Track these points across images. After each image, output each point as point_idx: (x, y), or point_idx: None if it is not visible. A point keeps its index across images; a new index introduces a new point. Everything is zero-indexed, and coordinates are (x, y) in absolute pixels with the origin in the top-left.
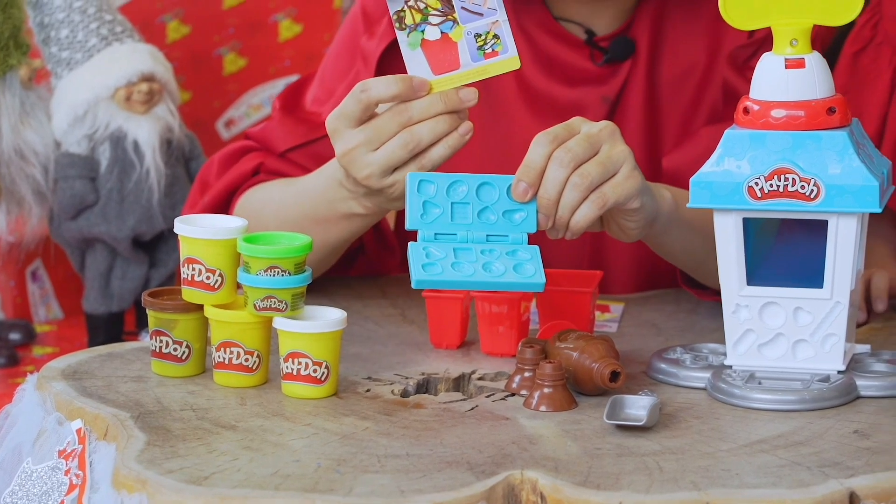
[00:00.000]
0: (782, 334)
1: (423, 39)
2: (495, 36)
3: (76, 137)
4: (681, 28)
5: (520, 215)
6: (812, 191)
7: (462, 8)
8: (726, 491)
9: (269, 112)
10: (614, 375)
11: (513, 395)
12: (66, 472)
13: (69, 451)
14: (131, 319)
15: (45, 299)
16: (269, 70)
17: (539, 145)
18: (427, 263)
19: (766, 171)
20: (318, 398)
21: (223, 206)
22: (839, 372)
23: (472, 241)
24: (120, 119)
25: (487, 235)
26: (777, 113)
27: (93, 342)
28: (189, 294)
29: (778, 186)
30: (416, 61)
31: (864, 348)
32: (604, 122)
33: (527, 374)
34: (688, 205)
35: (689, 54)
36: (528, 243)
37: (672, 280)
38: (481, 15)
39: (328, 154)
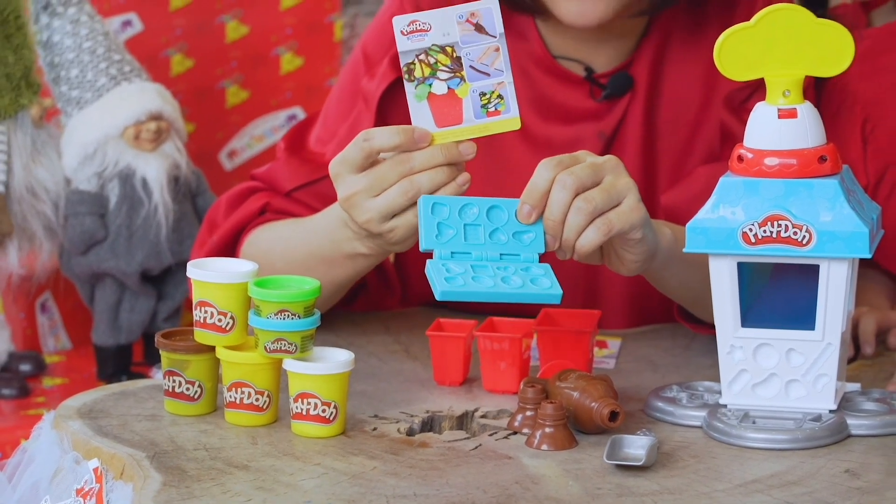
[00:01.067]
0: (776, 374)
1: (430, 93)
2: (500, 96)
3: (86, 175)
4: (679, 68)
5: (529, 236)
6: (804, 237)
7: (471, 66)
8: None
9: (271, 143)
10: (613, 415)
11: (515, 433)
12: None
13: (87, 489)
14: (139, 351)
15: (53, 330)
16: (271, 102)
17: (543, 169)
18: (448, 277)
19: (759, 217)
20: (326, 437)
21: (231, 245)
22: (830, 411)
23: (487, 259)
24: (129, 157)
25: (501, 254)
26: (770, 161)
27: (101, 373)
28: (201, 336)
29: (771, 232)
30: (420, 113)
31: (855, 387)
32: (608, 156)
33: (528, 413)
34: (684, 250)
35: (687, 94)
36: (540, 262)
37: (664, 315)
38: (488, 75)
39: (333, 193)
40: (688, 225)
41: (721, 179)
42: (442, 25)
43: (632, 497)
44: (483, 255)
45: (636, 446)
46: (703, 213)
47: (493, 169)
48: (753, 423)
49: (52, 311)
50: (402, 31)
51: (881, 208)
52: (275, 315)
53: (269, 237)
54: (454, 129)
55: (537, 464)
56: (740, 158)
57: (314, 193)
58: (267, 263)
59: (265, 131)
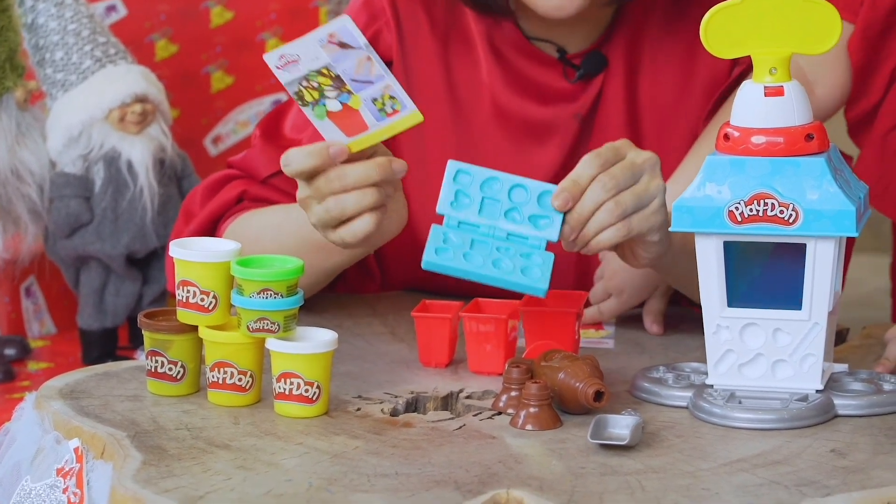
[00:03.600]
0: (762, 354)
1: (327, 111)
2: (391, 97)
3: (71, 157)
4: (658, 47)
5: (544, 222)
6: (791, 215)
7: (352, 80)
8: None
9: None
10: (598, 395)
11: (499, 413)
12: (65, 490)
13: (67, 469)
14: (124, 335)
15: (38, 315)
16: (256, 88)
17: (587, 166)
18: (441, 248)
19: (745, 196)
20: (309, 417)
21: (208, 234)
22: (817, 391)
23: (493, 237)
24: (114, 139)
25: (508, 234)
26: (757, 139)
27: (87, 357)
28: (184, 315)
29: (757, 211)
30: (327, 129)
31: (842, 367)
32: (648, 154)
33: (513, 394)
34: (670, 228)
35: (666, 74)
36: (546, 250)
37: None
38: (372, 83)
39: None
40: (674, 204)
41: (707, 158)
42: (308, 52)
43: (615, 476)
44: (491, 231)
45: (620, 426)
46: (690, 192)
47: (468, 149)
48: (739, 403)
49: (36, 296)
50: (277, 67)
51: (869, 187)
52: (257, 294)
53: (257, 224)
54: (364, 135)
55: (521, 443)
56: (727, 137)
57: (291, 180)
58: (258, 251)
59: (250, 117)
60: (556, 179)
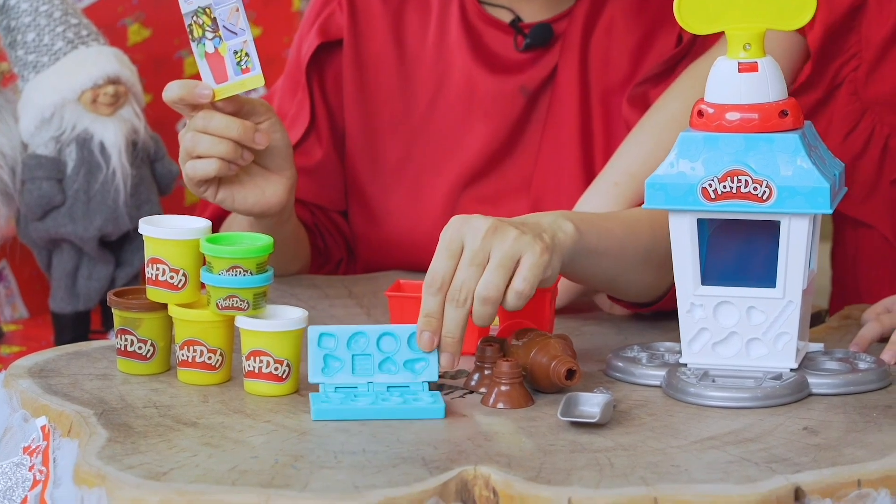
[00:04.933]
0: (736, 333)
1: (205, 52)
2: (246, 54)
3: (43, 139)
4: (611, 33)
5: (421, 365)
6: (764, 192)
7: (224, 27)
8: (674, 486)
9: None
10: (570, 373)
11: (471, 392)
12: (31, 468)
13: (34, 447)
14: (97, 318)
15: (10, 299)
16: None
17: (430, 294)
18: (324, 406)
19: (719, 172)
20: (279, 395)
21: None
22: (791, 370)
23: (373, 394)
24: (86, 121)
25: (388, 387)
26: (731, 116)
27: (59, 341)
28: (153, 293)
29: (731, 188)
30: (204, 70)
31: (818, 347)
32: (483, 226)
33: (486, 372)
34: (643, 206)
35: (617, 62)
36: (430, 389)
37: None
38: (236, 34)
39: (302, 165)
40: (647, 181)
41: (681, 135)
42: None
43: (584, 453)
44: (369, 389)
45: (591, 403)
46: (663, 169)
47: (414, 121)
48: (713, 381)
49: (8, 280)
50: None
51: (845, 164)
52: (227, 272)
53: None
54: (223, 86)
55: (491, 421)
56: (700, 113)
57: None
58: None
59: None
60: (497, 154)
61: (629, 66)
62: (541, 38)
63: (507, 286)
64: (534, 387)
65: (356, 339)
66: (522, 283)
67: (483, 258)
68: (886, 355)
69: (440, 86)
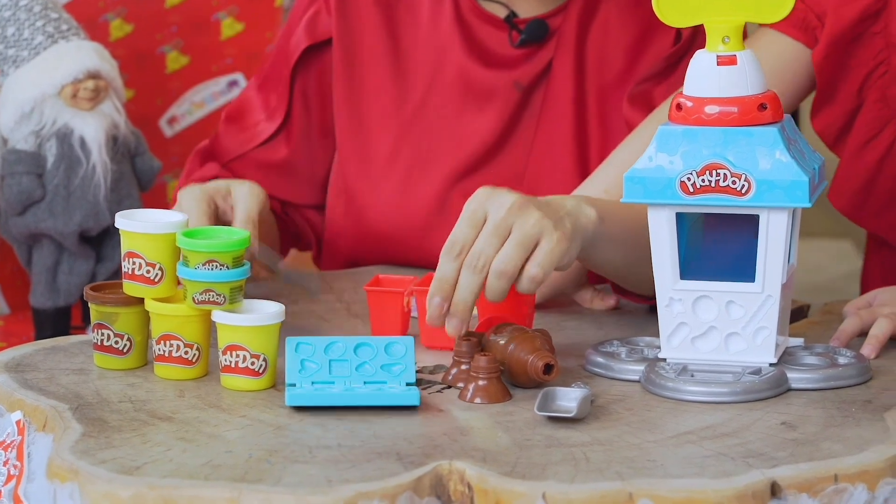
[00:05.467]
0: (715, 327)
1: None
2: None
3: (23, 134)
4: (608, 30)
5: (398, 368)
6: (743, 186)
7: None
8: (649, 481)
9: (211, 109)
10: (548, 368)
11: (449, 387)
12: (5, 463)
13: (9, 441)
14: (78, 314)
15: None
16: (212, 68)
17: (447, 260)
18: (300, 392)
19: (698, 166)
20: (256, 390)
21: None
22: (771, 365)
23: (350, 388)
24: (66, 116)
25: (365, 382)
26: (710, 109)
27: (40, 336)
28: (130, 288)
29: (710, 182)
30: None
31: (798, 342)
32: (509, 200)
33: (463, 367)
34: (622, 200)
35: (617, 55)
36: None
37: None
38: None
39: (269, 160)
40: (625, 175)
41: (660, 128)
42: None
43: (560, 448)
44: (346, 384)
45: (568, 398)
46: (641, 163)
47: (407, 115)
48: (692, 376)
49: None
50: None
51: (824, 159)
52: (203, 266)
53: None
54: None
55: (468, 416)
56: (679, 107)
57: (248, 165)
58: None
59: (205, 97)
60: (490, 148)
61: (625, 62)
62: (536, 33)
63: (523, 267)
64: (512, 381)
65: (332, 347)
66: (537, 269)
67: (505, 231)
68: (866, 349)
69: (433, 81)
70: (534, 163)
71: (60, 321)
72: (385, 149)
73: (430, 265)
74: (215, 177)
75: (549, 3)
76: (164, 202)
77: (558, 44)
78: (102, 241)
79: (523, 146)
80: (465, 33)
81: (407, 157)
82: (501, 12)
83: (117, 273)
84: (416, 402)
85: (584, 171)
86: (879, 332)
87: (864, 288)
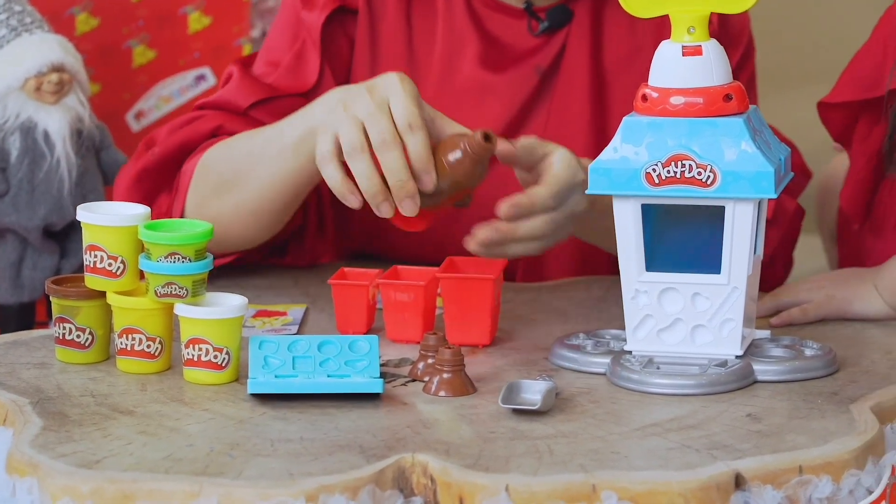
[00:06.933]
0: (681, 319)
1: None
2: None
3: None
4: (619, 9)
5: (362, 364)
6: (708, 177)
7: None
8: (613, 473)
9: (179, 104)
10: (486, 136)
11: (414, 380)
12: None
13: None
14: (43, 309)
15: None
16: (179, 62)
17: (356, 160)
18: (261, 380)
19: (663, 157)
20: (219, 384)
21: (173, 161)
22: (737, 357)
23: (313, 381)
24: (30, 109)
25: (328, 374)
26: (676, 100)
27: (4, 332)
28: (92, 281)
29: (675, 173)
30: None
31: (764, 334)
32: (359, 90)
33: (430, 361)
34: (586, 191)
35: (635, 37)
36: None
37: (609, 267)
38: None
39: (291, 112)
40: (591, 166)
41: (624, 119)
42: None
43: (524, 440)
44: (310, 377)
45: (533, 391)
46: (606, 154)
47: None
48: (657, 368)
49: None
50: None
51: (791, 150)
52: (165, 258)
53: (239, 147)
54: None
55: (432, 409)
56: (644, 98)
57: (272, 111)
58: (236, 174)
59: (173, 92)
60: (507, 131)
61: (651, 35)
62: (559, 19)
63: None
64: (460, 184)
65: (296, 345)
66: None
67: (383, 104)
68: (774, 320)
69: (449, 73)
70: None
71: (25, 317)
72: None
73: (440, 257)
74: (215, 130)
75: None
76: None
77: (573, 25)
78: (67, 235)
79: (537, 127)
80: (482, 30)
81: None
82: (518, 2)
83: (82, 268)
84: (379, 390)
85: (599, 150)
86: (795, 315)
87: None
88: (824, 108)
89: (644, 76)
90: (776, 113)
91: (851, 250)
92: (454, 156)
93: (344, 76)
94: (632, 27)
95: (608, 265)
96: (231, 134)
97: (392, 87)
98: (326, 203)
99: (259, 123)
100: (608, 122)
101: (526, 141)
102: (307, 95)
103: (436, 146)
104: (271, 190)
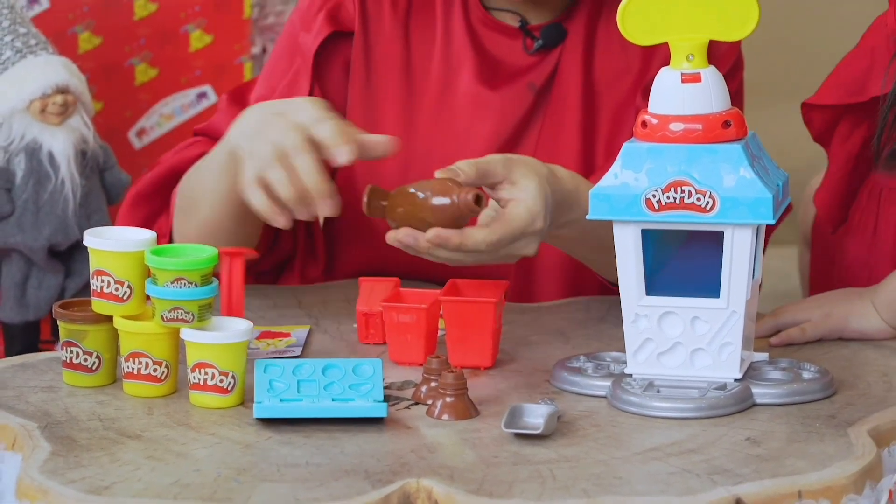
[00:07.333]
0: (680, 343)
1: None
2: None
3: None
4: (613, 27)
5: (366, 388)
6: (708, 203)
7: None
8: (616, 498)
9: (181, 121)
10: (478, 199)
11: (418, 404)
12: None
13: None
14: (47, 328)
15: None
16: (180, 80)
17: (254, 195)
18: (268, 405)
19: (663, 183)
20: (225, 407)
21: (164, 185)
22: (736, 380)
23: (318, 405)
24: (35, 130)
25: (333, 398)
26: (675, 126)
27: (9, 351)
28: (98, 305)
29: (675, 199)
30: None
31: (763, 356)
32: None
33: (433, 384)
34: (587, 216)
35: (625, 57)
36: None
37: (600, 287)
38: None
39: None
40: (591, 191)
41: (625, 145)
42: None
43: (527, 465)
44: (314, 402)
45: (535, 415)
46: (607, 180)
47: (418, 124)
48: (658, 392)
49: None
50: None
51: (788, 175)
52: (171, 283)
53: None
54: None
55: (435, 433)
56: (644, 124)
57: None
58: (183, 200)
59: (174, 109)
60: (501, 147)
61: (637, 54)
62: (553, 38)
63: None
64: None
65: (301, 368)
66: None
67: (297, 126)
68: (774, 339)
69: (443, 93)
70: (539, 158)
71: (30, 335)
72: (395, 162)
73: (437, 276)
74: (200, 155)
75: (558, 8)
76: None
77: (566, 43)
78: (72, 255)
79: (529, 145)
80: (478, 49)
81: (417, 170)
82: (513, 21)
83: (86, 287)
84: (383, 414)
85: (588, 166)
86: (794, 335)
87: (815, 271)
88: (807, 109)
89: (630, 96)
90: (765, 127)
91: (823, 250)
92: (440, 201)
93: (340, 101)
94: (623, 47)
95: (598, 284)
96: None
97: (302, 110)
98: (317, 230)
99: None
100: (596, 139)
101: (484, 165)
102: None
103: (425, 180)
104: (217, 210)
